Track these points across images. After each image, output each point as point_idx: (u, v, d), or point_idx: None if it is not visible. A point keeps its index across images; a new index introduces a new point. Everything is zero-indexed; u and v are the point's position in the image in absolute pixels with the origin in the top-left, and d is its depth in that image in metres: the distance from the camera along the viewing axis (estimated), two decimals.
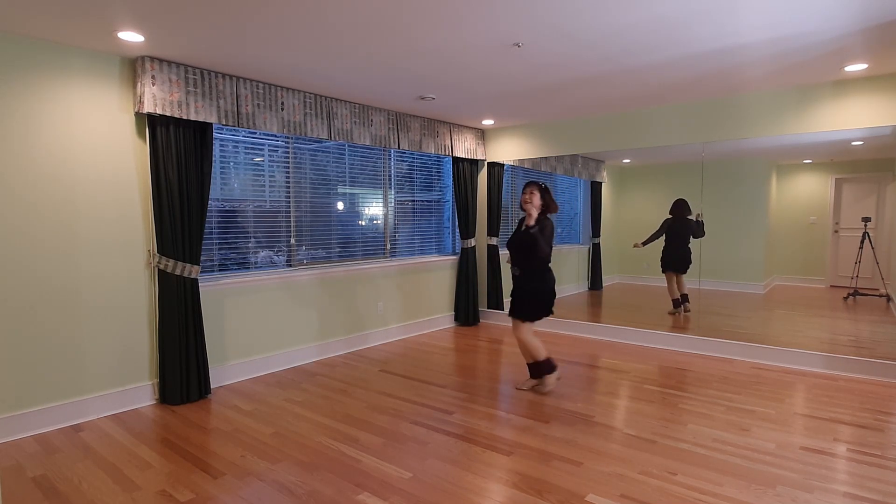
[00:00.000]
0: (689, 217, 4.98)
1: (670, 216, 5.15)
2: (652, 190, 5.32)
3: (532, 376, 3.77)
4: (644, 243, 5.38)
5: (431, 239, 6.04)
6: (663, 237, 5.25)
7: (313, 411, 3.40)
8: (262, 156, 4.31)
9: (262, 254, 4.36)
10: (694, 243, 4.93)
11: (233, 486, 2.46)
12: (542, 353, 3.68)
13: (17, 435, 3.03)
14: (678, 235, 5.12)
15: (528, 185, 3.68)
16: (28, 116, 3.01)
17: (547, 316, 3.72)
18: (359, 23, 2.80)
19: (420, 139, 5.34)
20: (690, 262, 5.03)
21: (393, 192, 5.47)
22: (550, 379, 3.71)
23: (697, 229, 4.92)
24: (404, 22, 2.79)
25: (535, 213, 3.63)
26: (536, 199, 3.62)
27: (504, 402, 3.54)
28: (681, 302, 5.18)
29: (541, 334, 5.55)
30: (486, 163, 6.20)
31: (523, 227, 3.68)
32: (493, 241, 6.18)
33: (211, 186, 3.82)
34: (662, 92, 4.32)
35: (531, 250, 3.60)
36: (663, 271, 5.29)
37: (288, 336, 4.43)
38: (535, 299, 3.66)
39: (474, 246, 6.10)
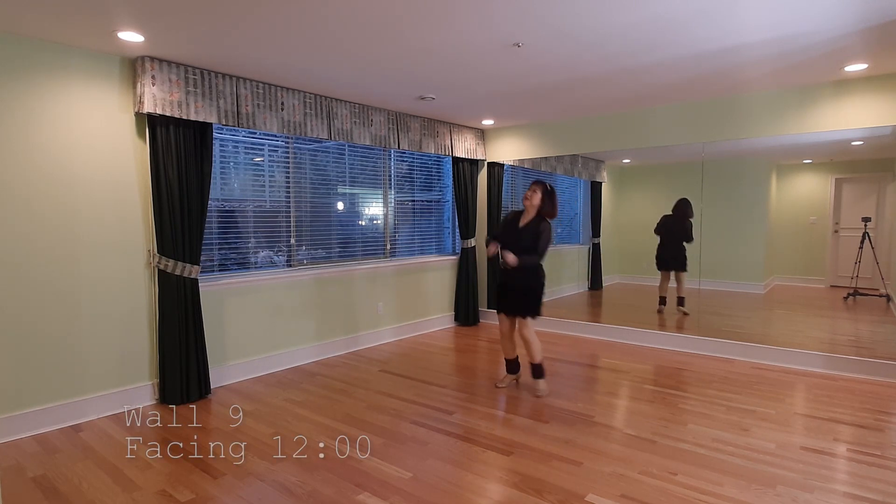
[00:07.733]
0: (691, 219, 4.96)
1: (670, 214, 5.13)
2: (652, 190, 5.32)
3: (535, 376, 3.68)
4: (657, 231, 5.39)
5: (431, 239, 6.03)
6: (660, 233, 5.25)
7: (313, 411, 3.40)
8: (262, 156, 4.31)
9: (262, 254, 4.36)
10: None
11: (233, 486, 2.46)
12: (541, 354, 3.67)
13: (17, 435, 3.03)
14: (674, 234, 5.12)
15: (534, 182, 3.63)
16: (28, 116, 3.01)
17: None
18: (359, 23, 2.80)
19: (420, 139, 5.34)
20: (686, 260, 5.03)
21: (393, 192, 5.47)
22: (544, 384, 3.69)
23: (690, 232, 4.93)
24: (404, 22, 2.79)
25: (532, 213, 3.62)
26: (536, 198, 3.59)
27: (504, 402, 3.54)
28: (665, 302, 5.20)
29: (540, 334, 5.55)
30: (486, 163, 6.19)
31: (522, 224, 3.63)
32: None
33: (211, 186, 3.82)
34: (663, 92, 4.32)
35: (532, 247, 3.54)
36: (659, 269, 5.29)
37: (288, 336, 4.43)
38: (536, 294, 3.59)
39: (474, 246, 6.10)
